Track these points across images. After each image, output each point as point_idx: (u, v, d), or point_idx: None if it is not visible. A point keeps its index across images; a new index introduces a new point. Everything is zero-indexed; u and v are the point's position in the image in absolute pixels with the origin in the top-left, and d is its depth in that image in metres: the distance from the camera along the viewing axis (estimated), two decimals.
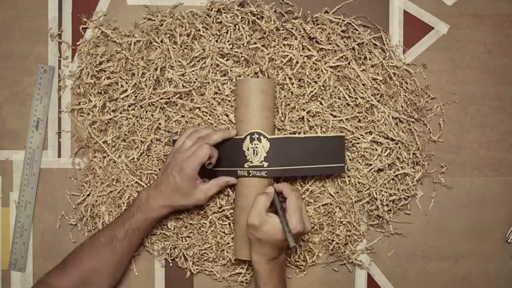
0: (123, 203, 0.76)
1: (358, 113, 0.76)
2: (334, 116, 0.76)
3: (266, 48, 0.76)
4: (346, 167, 0.75)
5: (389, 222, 0.78)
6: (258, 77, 0.75)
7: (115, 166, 0.77)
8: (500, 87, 0.78)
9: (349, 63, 0.76)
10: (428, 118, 0.78)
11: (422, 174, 0.77)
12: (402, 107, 0.76)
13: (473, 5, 0.78)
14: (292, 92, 0.76)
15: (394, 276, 0.78)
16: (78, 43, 0.77)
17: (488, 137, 0.78)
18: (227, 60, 0.76)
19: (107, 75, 0.76)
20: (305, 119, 0.75)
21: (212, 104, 0.76)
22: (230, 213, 0.76)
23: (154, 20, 0.77)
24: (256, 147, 0.71)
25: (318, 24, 0.76)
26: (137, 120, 0.76)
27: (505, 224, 0.78)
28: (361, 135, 0.76)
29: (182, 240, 0.77)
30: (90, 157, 0.77)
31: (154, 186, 0.72)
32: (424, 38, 0.78)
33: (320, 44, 0.76)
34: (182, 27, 0.76)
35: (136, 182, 0.76)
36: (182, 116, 0.76)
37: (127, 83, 0.76)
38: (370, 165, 0.76)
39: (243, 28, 0.76)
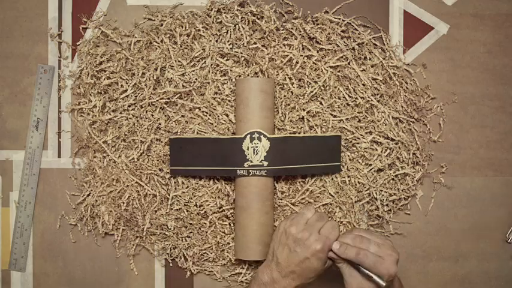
0: (123, 203, 0.76)
1: (358, 113, 0.76)
2: (334, 116, 0.76)
3: (266, 48, 0.76)
4: (341, 166, 0.75)
5: (389, 222, 0.78)
6: (258, 77, 0.75)
7: (115, 166, 0.77)
8: (500, 87, 0.78)
9: (349, 63, 0.76)
10: (428, 118, 0.78)
11: (422, 174, 0.77)
12: (402, 107, 0.76)
13: (473, 5, 0.78)
14: (292, 92, 0.76)
15: None
16: (78, 43, 0.77)
17: (488, 137, 0.78)
18: (227, 60, 0.76)
19: (107, 75, 0.76)
20: (305, 119, 0.75)
21: (212, 104, 0.76)
22: (230, 213, 0.76)
23: (154, 20, 0.77)
24: (257, 147, 0.71)
25: (318, 24, 0.76)
26: (137, 120, 0.76)
27: (505, 224, 0.78)
28: (361, 135, 0.76)
29: (182, 240, 0.77)
30: (90, 157, 0.77)
31: (278, 270, 0.64)
32: (424, 38, 0.78)
33: (320, 44, 0.76)
34: (182, 27, 0.76)
35: (136, 182, 0.76)
36: (182, 116, 0.76)
37: (127, 83, 0.76)
38: (370, 165, 0.76)
39: (243, 28, 0.76)
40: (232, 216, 0.76)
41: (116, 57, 0.76)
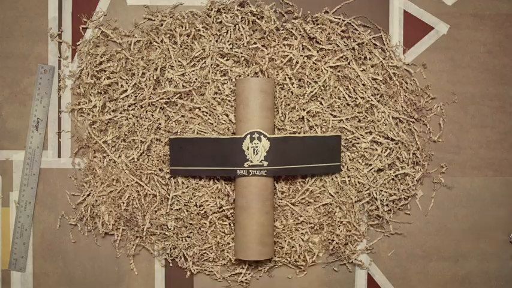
0: (123, 203, 0.76)
1: (358, 113, 0.76)
2: (334, 116, 0.76)
3: (266, 48, 0.76)
4: (341, 166, 0.75)
5: (390, 222, 0.78)
6: (258, 77, 0.76)
7: (115, 166, 0.77)
8: (500, 87, 0.78)
9: (349, 63, 0.76)
10: (428, 118, 0.78)
11: (422, 174, 0.77)
12: (402, 107, 0.76)
13: (473, 5, 0.78)
14: (292, 92, 0.76)
15: (394, 276, 0.78)
16: (78, 43, 0.77)
17: (488, 137, 0.78)
18: (227, 60, 0.76)
19: (107, 75, 0.76)
20: (305, 119, 0.75)
21: (212, 104, 0.76)
22: (230, 213, 0.76)
23: (154, 20, 0.77)
24: (257, 147, 0.71)
25: (318, 24, 0.76)
26: (137, 120, 0.76)
27: (505, 224, 0.78)
28: (361, 135, 0.76)
29: (182, 240, 0.77)
30: (90, 157, 0.77)
31: None
32: (424, 38, 0.78)
33: (320, 44, 0.76)
34: (182, 27, 0.76)
35: (137, 182, 0.76)
36: (182, 116, 0.76)
37: (127, 83, 0.76)
38: (370, 165, 0.76)
39: (243, 28, 0.76)
40: (232, 216, 0.76)
41: (116, 57, 0.76)
